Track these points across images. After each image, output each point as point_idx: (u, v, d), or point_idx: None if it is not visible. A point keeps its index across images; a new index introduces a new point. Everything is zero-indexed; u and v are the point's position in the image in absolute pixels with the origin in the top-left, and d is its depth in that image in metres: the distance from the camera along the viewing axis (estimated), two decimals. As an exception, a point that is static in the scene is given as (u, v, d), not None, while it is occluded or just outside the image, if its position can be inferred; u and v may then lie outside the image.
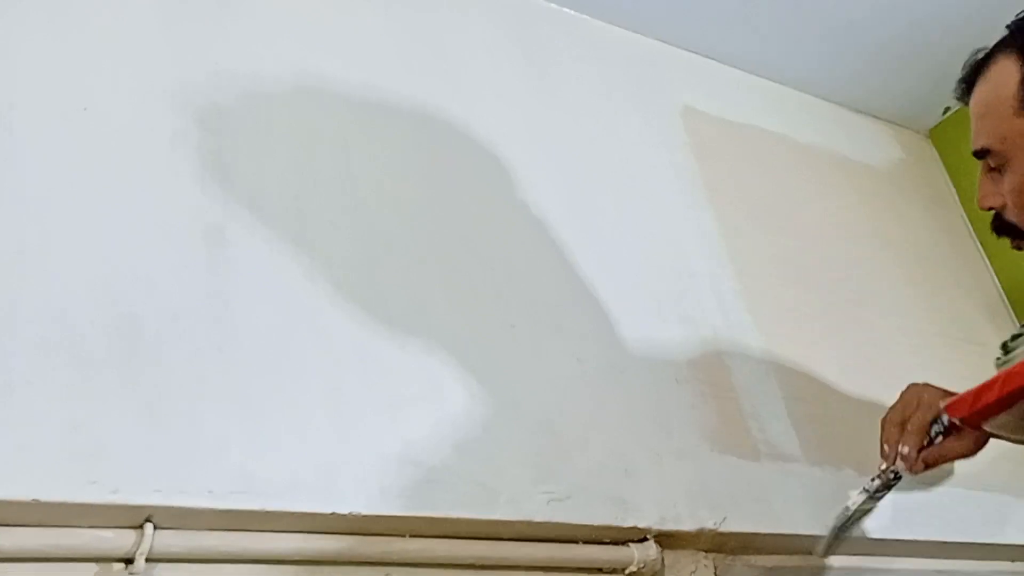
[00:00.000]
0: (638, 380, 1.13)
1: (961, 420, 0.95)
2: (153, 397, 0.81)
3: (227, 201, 0.96)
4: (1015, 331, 1.05)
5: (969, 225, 1.81)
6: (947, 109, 1.85)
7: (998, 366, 1.00)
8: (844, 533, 1.08)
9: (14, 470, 0.73)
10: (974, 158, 0.96)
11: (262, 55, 1.10)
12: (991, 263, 1.76)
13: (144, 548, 0.76)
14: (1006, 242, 0.97)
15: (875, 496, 1.05)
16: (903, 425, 1.00)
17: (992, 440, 1.01)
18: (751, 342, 1.29)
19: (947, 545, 1.26)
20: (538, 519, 0.94)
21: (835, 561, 1.19)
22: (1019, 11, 0.95)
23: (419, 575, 0.91)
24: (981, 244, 1.78)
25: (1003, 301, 1.71)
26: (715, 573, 1.08)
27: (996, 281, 1.74)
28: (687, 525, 1.04)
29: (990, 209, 0.96)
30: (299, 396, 0.89)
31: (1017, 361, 0.93)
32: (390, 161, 1.12)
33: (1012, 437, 0.96)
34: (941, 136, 1.92)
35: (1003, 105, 0.91)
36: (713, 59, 1.66)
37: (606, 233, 1.26)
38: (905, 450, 0.99)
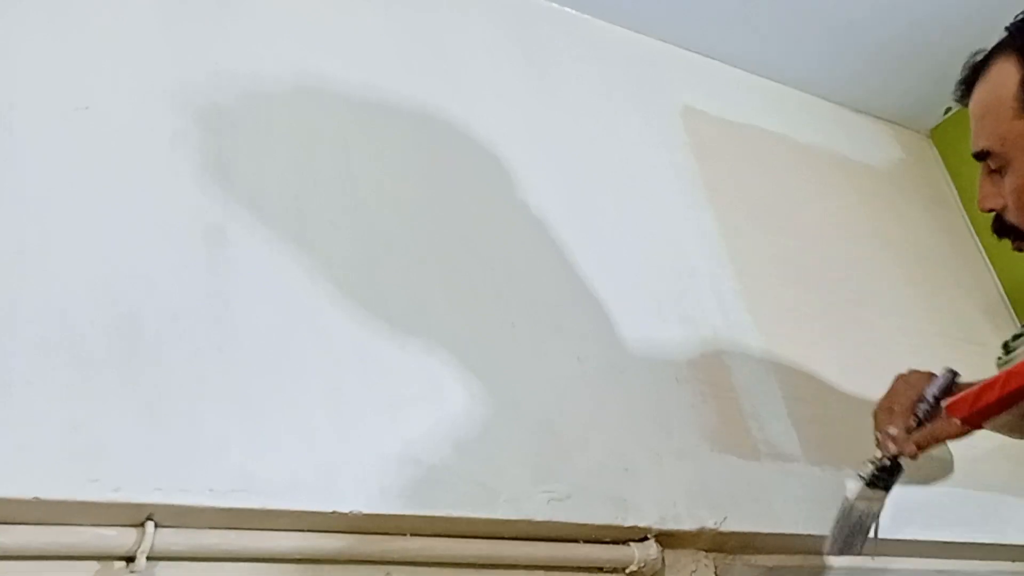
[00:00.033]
0: (638, 380, 1.13)
1: (962, 420, 0.95)
2: (153, 397, 0.81)
3: (227, 201, 0.96)
4: (1016, 331, 1.05)
5: (970, 225, 1.81)
6: (948, 109, 1.85)
7: (999, 366, 1.00)
8: (859, 533, 1.06)
9: (15, 469, 0.73)
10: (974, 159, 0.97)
11: (262, 55, 1.10)
12: (992, 263, 1.76)
13: (145, 546, 0.77)
14: (1007, 242, 0.97)
15: (874, 485, 1.04)
16: (891, 410, 1.02)
17: (989, 438, 1.01)
18: (751, 342, 1.29)
19: (947, 545, 1.26)
20: (538, 518, 0.94)
21: (835, 561, 1.19)
22: (1018, 12, 0.95)
23: (419, 574, 0.91)
24: (982, 244, 1.78)
25: (1003, 301, 1.71)
26: (715, 572, 1.08)
27: (997, 281, 1.74)
28: (687, 524, 1.04)
29: (991, 211, 0.96)
30: (299, 396, 0.89)
31: (1018, 361, 0.93)
32: (390, 161, 1.12)
33: (1013, 436, 0.97)
34: (942, 136, 1.92)
35: (1003, 107, 0.91)
36: (713, 59, 1.66)
37: (606, 233, 1.26)
38: (892, 431, 1.01)
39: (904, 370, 1.06)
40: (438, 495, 0.90)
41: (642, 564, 1.01)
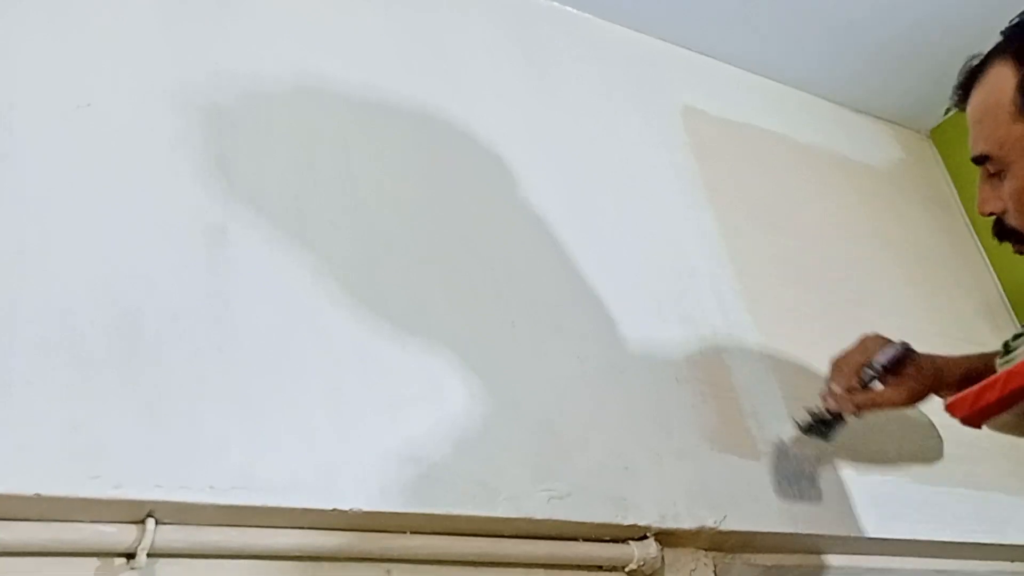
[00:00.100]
0: (638, 380, 1.14)
1: (962, 419, 0.95)
2: (153, 397, 0.82)
3: (227, 201, 0.97)
4: (1016, 331, 1.05)
5: (969, 225, 1.81)
6: (948, 110, 1.84)
7: (999, 366, 1.00)
8: (803, 479, 1.13)
9: (16, 468, 0.73)
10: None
11: (262, 55, 1.10)
12: (991, 263, 1.76)
13: (146, 543, 0.77)
14: (1007, 244, 0.97)
15: (810, 433, 1.11)
16: (840, 368, 1.08)
17: (989, 438, 1.01)
18: (751, 342, 1.29)
19: (947, 545, 1.26)
20: (538, 516, 0.94)
21: (835, 560, 1.19)
22: (1016, 14, 0.94)
23: (419, 572, 0.91)
24: (982, 244, 1.78)
25: (1003, 301, 1.71)
26: (714, 571, 1.08)
27: (996, 281, 1.74)
28: (687, 523, 1.04)
29: (990, 215, 0.96)
30: (299, 396, 0.89)
31: (1018, 361, 0.93)
32: (390, 161, 1.13)
33: (1014, 435, 0.97)
34: (942, 136, 1.92)
35: (1001, 111, 0.91)
36: (713, 58, 1.66)
37: (606, 233, 1.26)
38: (835, 388, 1.07)
39: (871, 333, 1.10)
40: (438, 493, 0.90)
41: (641, 563, 1.01)
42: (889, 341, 1.08)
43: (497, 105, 1.28)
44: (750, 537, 1.10)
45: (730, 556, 1.11)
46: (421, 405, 0.95)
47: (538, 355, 1.08)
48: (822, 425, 1.10)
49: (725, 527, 1.06)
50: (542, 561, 0.98)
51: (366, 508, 0.86)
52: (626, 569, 1.02)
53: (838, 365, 1.09)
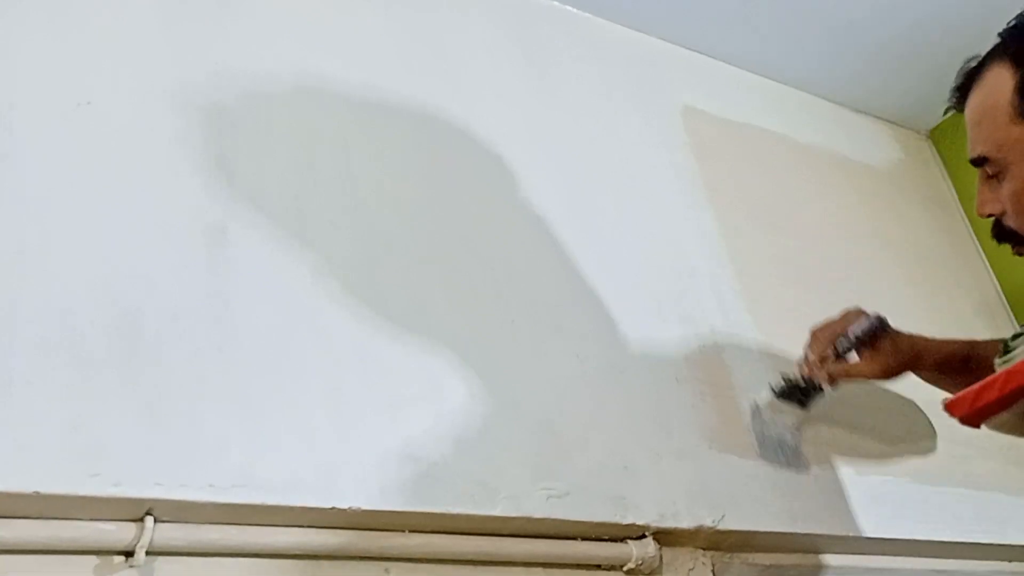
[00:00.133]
0: (638, 379, 1.14)
1: (961, 418, 0.95)
2: (153, 397, 0.82)
3: (227, 201, 0.97)
4: (1015, 331, 1.05)
5: (969, 226, 1.81)
6: (948, 110, 1.85)
7: (998, 366, 1.00)
8: (782, 445, 1.15)
9: (16, 467, 0.73)
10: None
11: (262, 55, 1.10)
12: (990, 264, 1.76)
13: (144, 541, 0.77)
14: (1006, 245, 0.97)
15: (784, 398, 1.14)
16: (817, 337, 1.12)
17: (988, 438, 1.01)
18: (751, 342, 1.29)
19: (945, 545, 1.27)
20: (537, 515, 0.95)
21: (833, 560, 1.19)
22: (1014, 15, 0.94)
23: (418, 570, 0.92)
24: (981, 245, 1.78)
25: (1002, 302, 1.72)
26: (713, 571, 1.08)
27: (995, 282, 1.74)
28: (685, 523, 1.04)
29: (989, 216, 0.96)
30: (299, 396, 0.89)
31: (1017, 360, 0.93)
32: (390, 161, 1.13)
33: (1013, 435, 0.97)
34: (941, 137, 1.92)
35: (999, 113, 0.91)
36: (713, 58, 1.66)
37: (606, 233, 1.27)
38: (810, 356, 1.11)
39: (854, 306, 1.14)
40: (437, 492, 0.90)
41: (640, 562, 1.01)
42: (865, 314, 1.11)
43: (497, 105, 1.28)
44: (748, 536, 1.10)
45: (728, 555, 1.11)
46: (421, 405, 0.95)
47: (538, 355, 1.08)
48: (798, 392, 1.13)
49: (723, 526, 1.06)
50: (541, 560, 0.98)
51: (365, 507, 0.86)
52: (624, 568, 1.02)
53: (815, 334, 1.13)
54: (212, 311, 0.89)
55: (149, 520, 0.78)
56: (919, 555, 1.26)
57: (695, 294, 1.29)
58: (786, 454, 1.16)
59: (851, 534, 1.17)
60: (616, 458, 1.04)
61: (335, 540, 0.87)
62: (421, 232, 1.09)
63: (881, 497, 1.23)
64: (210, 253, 0.93)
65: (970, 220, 1.81)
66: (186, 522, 0.80)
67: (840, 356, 1.10)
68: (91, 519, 0.77)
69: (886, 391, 1.34)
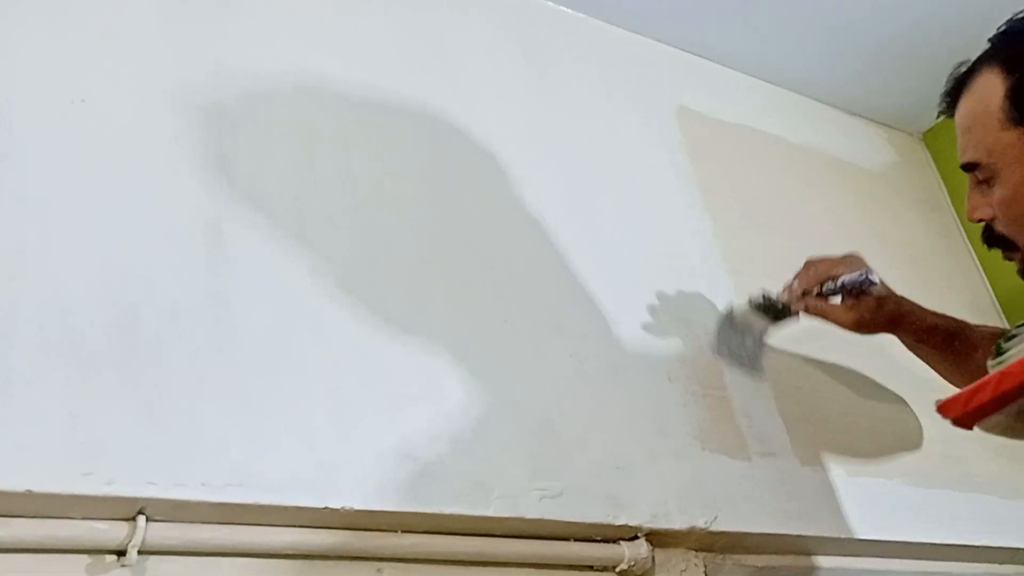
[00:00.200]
0: (635, 379, 1.14)
1: (954, 420, 0.96)
2: (153, 397, 0.82)
3: (227, 201, 0.97)
4: (1008, 332, 1.06)
5: (961, 228, 1.82)
6: (941, 113, 1.86)
7: (991, 367, 1.01)
8: (745, 350, 1.20)
9: (14, 467, 0.73)
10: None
11: (262, 55, 1.10)
12: (982, 266, 1.77)
13: (136, 540, 0.77)
14: (996, 249, 0.98)
15: (759, 310, 1.18)
16: (809, 270, 1.15)
17: (982, 440, 1.02)
18: (746, 342, 1.30)
19: (939, 547, 1.27)
20: (530, 516, 0.95)
21: (825, 562, 1.20)
22: (1006, 19, 0.95)
23: (411, 571, 0.92)
24: (973, 247, 1.79)
25: (994, 304, 1.73)
26: (705, 572, 1.09)
27: (987, 284, 1.75)
28: (678, 523, 1.04)
29: (980, 221, 0.96)
30: (299, 396, 0.89)
31: (1010, 362, 0.94)
32: (390, 161, 1.13)
33: (1006, 437, 0.97)
34: (935, 139, 1.92)
35: (989, 118, 0.91)
36: (711, 60, 1.66)
37: (605, 233, 1.27)
38: (795, 285, 1.15)
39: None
40: (434, 492, 0.91)
41: (632, 563, 1.02)
42: (866, 266, 1.13)
43: (497, 105, 1.28)
44: (741, 538, 1.11)
45: (721, 556, 1.12)
46: (421, 405, 0.96)
47: (537, 355, 1.08)
48: (774, 309, 1.17)
49: (716, 527, 1.07)
50: (533, 561, 0.99)
51: (358, 507, 0.86)
52: (617, 569, 1.03)
53: (809, 265, 1.15)
54: (212, 311, 0.89)
55: (141, 519, 0.78)
56: (912, 557, 1.27)
57: (692, 294, 1.30)
58: (747, 355, 1.21)
59: (844, 536, 1.17)
60: (610, 457, 1.05)
61: (328, 540, 0.87)
62: (421, 232, 1.09)
63: (874, 499, 1.24)
64: (210, 253, 0.93)
65: (962, 223, 1.82)
66: (180, 521, 0.81)
67: (823, 295, 1.12)
68: (84, 518, 0.77)
69: (885, 390, 1.35)
